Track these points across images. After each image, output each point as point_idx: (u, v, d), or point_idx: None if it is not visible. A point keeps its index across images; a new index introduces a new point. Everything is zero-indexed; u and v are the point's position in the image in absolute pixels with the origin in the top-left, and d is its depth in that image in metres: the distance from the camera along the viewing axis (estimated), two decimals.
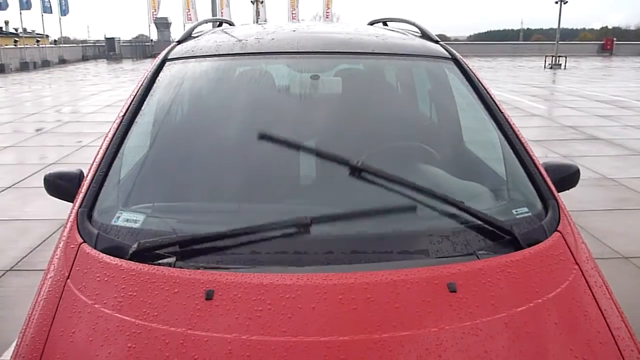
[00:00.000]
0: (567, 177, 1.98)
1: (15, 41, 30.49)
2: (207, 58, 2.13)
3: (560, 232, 1.52)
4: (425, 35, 2.46)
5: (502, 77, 22.47)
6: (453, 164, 1.95)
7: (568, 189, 1.99)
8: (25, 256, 4.35)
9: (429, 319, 1.23)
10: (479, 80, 2.08)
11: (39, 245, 4.55)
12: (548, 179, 1.73)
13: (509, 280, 1.35)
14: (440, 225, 1.53)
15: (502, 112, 1.93)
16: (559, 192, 1.75)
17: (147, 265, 1.36)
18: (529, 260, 1.41)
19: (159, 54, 2.27)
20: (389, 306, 1.25)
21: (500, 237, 1.48)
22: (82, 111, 12.83)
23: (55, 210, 5.06)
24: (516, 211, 1.61)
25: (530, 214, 1.60)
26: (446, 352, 1.17)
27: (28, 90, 17.96)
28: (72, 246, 1.45)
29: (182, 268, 1.35)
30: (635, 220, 5.21)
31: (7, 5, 29.48)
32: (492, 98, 2.00)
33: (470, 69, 2.14)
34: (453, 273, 1.34)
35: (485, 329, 1.22)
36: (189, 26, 2.62)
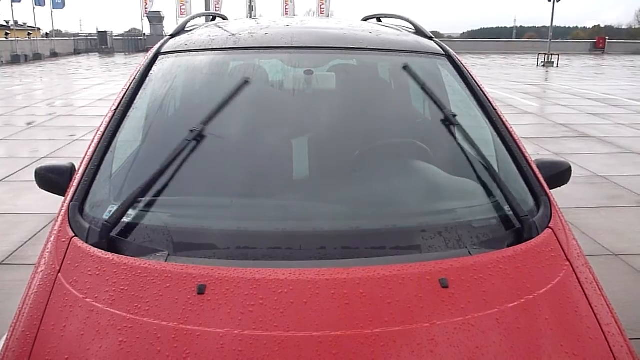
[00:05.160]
0: (559, 174, 1.99)
1: (7, 34, 30.19)
2: (200, 52, 2.12)
3: (552, 229, 1.53)
4: (419, 31, 2.46)
5: (495, 74, 22.53)
6: (446, 161, 1.95)
7: (560, 186, 2.00)
8: (16, 250, 4.33)
9: (421, 314, 1.24)
10: (472, 77, 2.08)
11: (29, 239, 4.53)
12: (540, 176, 1.74)
13: (500, 276, 1.35)
14: (433, 221, 1.54)
15: (495, 109, 1.94)
16: (550, 189, 1.76)
17: (138, 259, 1.36)
18: (520, 257, 1.41)
19: (152, 47, 2.25)
20: (381, 301, 1.25)
21: (492, 233, 1.49)
22: (74, 105, 12.75)
23: (46, 204, 5.04)
24: (508, 207, 1.62)
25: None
26: (438, 347, 1.17)
27: (19, 84, 17.82)
28: (64, 240, 1.44)
29: (174, 262, 1.35)
30: (626, 218, 5.25)
31: None
32: (485, 95, 2.00)
33: (463, 65, 2.15)
34: (445, 269, 1.34)
35: (477, 325, 1.22)
36: (182, 20, 2.60)
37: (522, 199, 1.66)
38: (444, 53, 2.22)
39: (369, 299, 1.26)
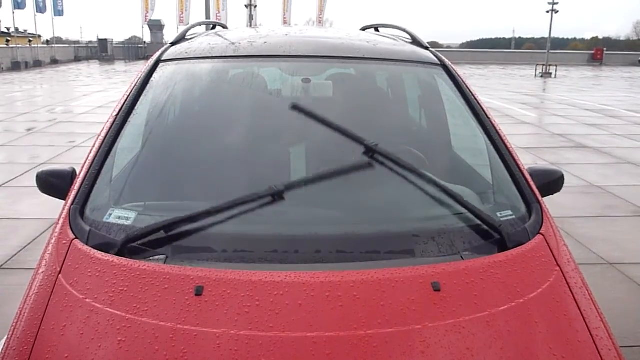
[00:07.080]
0: (552, 182, 2.02)
1: (7, 41, 30.28)
2: (200, 60, 2.16)
3: (543, 235, 1.56)
4: (415, 41, 2.50)
5: (493, 84, 22.62)
6: (441, 168, 1.98)
7: (552, 194, 2.03)
8: (15, 255, 4.34)
9: (413, 316, 1.26)
10: (467, 87, 2.12)
11: (29, 244, 4.54)
12: (532, 184, 1.77)
13: (492, 280, 1.38)
14: (426, 226, 1.57)
15: (489, 118, 1.97)
16: (543, 196, 1.79)
17: (138, 261, 1.39)
18: (511, 262, 1.44)
19: (152, 55, 2.29)
20: (374, 304, 1.28)
21: (485, 238, 1.52)
22: (73, 112, 12.79)
23: (45, 209, 5.07)
24: (501, 214, 1.65)
25: (514, 217, 1.64)
26: (429, 349, 1.20)
27: (19, 90, 17.87)
28: (64, 242, 1.47)
29: (172, 265, 1.37)
30: (621, 227, 5.28)
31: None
32: (479, 104, 2.04)
33: (458, 75, 2.18)
34: (438, 273, 1.37)
35: (468, 327, 1.25)
36: (182, 29, 2.64)
37: (515, 206, 1.69)
38: (439, 63, 2.26)
39: (363, 301, 1.28)
